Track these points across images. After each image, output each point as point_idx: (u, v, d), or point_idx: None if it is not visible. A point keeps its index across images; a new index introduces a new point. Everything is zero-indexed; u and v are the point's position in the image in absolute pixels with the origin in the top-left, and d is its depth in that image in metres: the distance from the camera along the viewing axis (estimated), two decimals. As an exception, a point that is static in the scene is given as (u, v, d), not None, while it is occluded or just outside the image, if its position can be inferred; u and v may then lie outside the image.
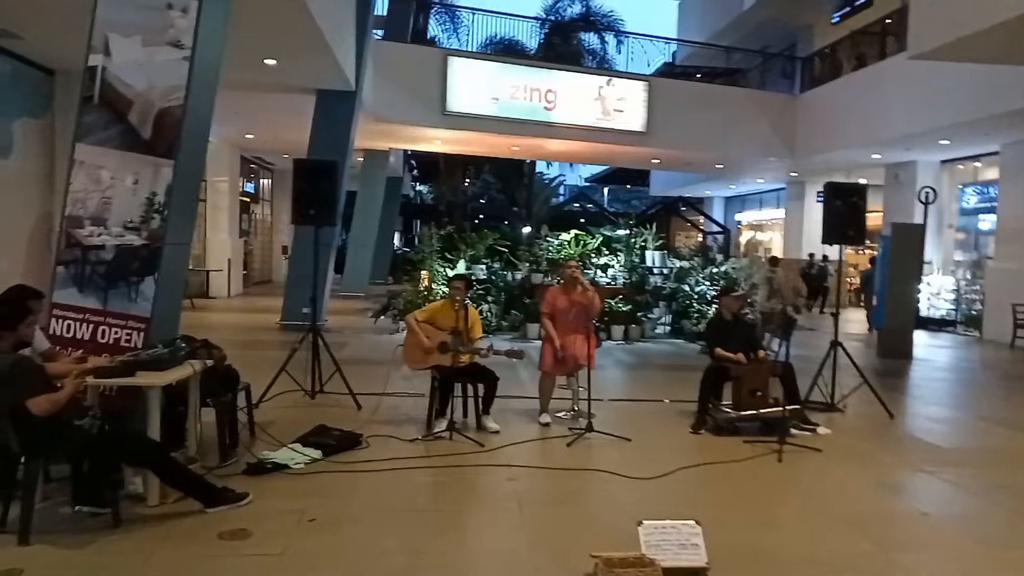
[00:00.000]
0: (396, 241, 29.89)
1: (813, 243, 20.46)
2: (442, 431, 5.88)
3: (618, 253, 13.02)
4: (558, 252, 12.85)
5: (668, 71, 21.56)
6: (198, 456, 4.83)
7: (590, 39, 24.97)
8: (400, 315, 13.17)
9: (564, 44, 23.63)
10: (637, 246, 13.15)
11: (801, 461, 5.57)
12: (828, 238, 7.24)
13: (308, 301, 12.16)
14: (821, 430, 6.39)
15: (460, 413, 6.23)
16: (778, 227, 24.91)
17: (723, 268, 12.88)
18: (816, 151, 17.13)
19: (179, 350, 4.73)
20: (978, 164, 16.52)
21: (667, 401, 7.48)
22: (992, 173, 15.97)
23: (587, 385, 6.20)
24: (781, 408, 6.13)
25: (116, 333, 4.94)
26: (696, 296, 12.68)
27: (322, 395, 7.08)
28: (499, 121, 15.67)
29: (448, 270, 12.66)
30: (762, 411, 6.23)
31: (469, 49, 20.44)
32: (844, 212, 7.15)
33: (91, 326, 4.90)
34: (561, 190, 39.60)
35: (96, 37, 4.88)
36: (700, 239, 15.87)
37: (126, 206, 4.92)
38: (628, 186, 34.51)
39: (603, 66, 22.58)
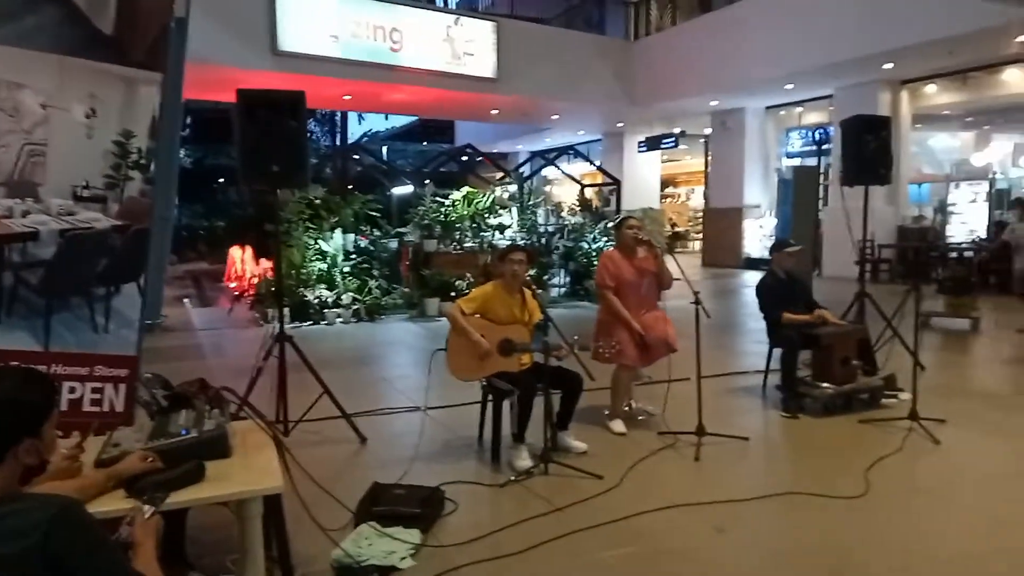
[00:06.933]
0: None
1: (639, 196, 20.50)
2: (533, 467, 4.26)
3: (510, 211, 11.68)
4: (447, 214, 11.23)
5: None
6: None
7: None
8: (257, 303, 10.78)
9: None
10: (531, 203, 11.90)
11: (959, 438, 4.76)
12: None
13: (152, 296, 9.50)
14: (903, 395, 5.69)
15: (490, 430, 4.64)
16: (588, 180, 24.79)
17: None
18: (659, 98, 16.91)
19: (204, 409, 2.71)
20: (800, 109, 17.39)
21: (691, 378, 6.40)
22: (814, 117, 16.95)
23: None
24: (876, 376, 5.40)
25: (73, 391, 2.73)
26: (596, 254, 11.75)
27: (299, 429, 5.03)
28: (340, 64, 13.38)
29: (321, 242, 10.51)
30: (863, 381, 5.43)
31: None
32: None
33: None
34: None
35: None
36: (581, 193, 14.85)
37: (76, 158, 2.69)
38: (424, 143, 32.72)
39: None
